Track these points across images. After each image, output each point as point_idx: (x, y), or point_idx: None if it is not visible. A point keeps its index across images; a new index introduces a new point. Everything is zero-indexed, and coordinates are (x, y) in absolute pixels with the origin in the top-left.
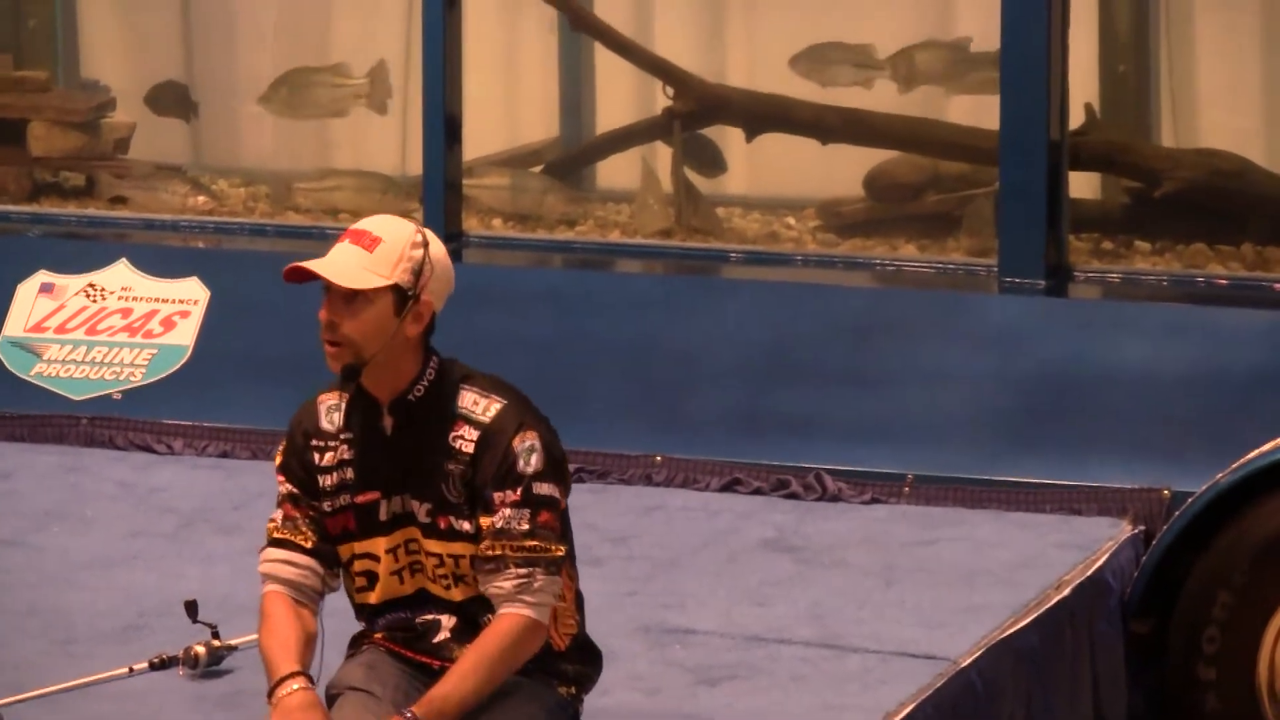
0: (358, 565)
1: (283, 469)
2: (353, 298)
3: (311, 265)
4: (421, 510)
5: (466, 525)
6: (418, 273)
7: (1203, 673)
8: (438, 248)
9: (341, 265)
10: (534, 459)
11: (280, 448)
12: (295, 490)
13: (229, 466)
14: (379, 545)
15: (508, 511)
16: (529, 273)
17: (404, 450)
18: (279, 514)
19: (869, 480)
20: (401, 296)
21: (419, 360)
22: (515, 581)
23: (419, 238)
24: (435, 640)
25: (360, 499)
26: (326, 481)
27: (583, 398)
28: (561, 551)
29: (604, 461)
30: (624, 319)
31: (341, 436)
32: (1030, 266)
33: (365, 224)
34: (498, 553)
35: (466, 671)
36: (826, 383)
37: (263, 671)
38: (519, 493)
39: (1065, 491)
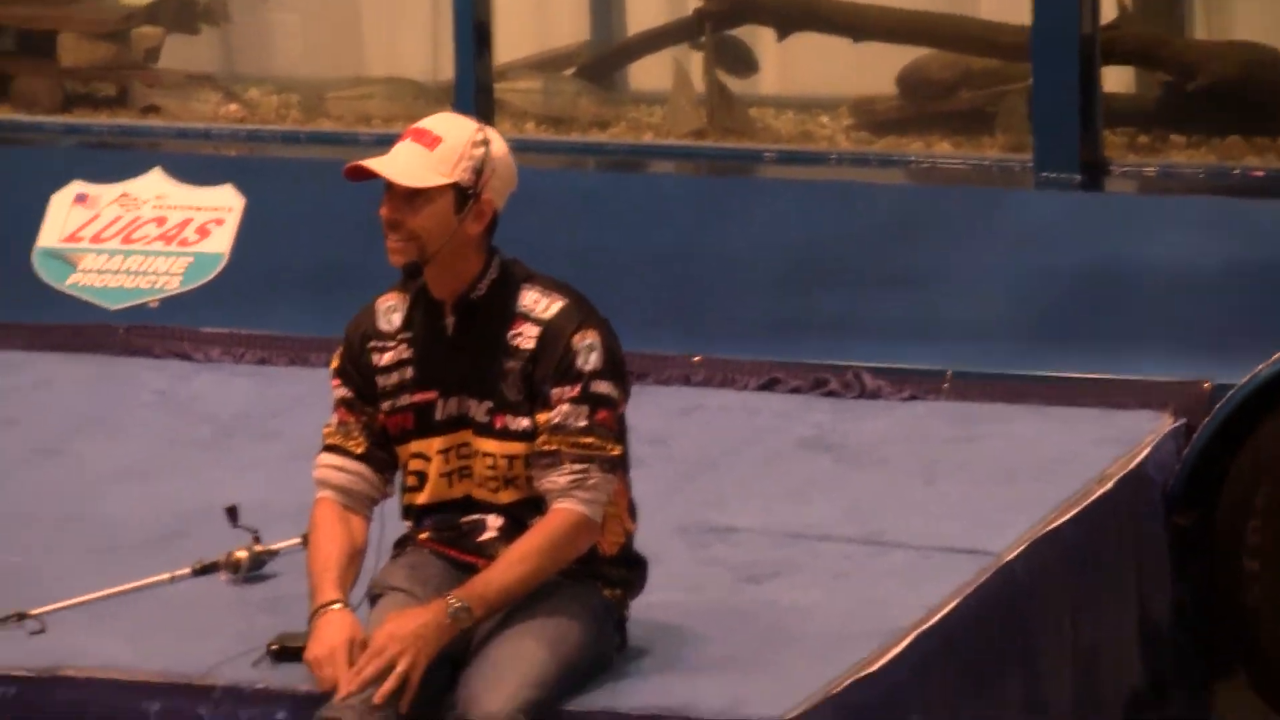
0: (412, 464)
1: (338, 373)
2: (413, 196)
3: (372, 164)
4: (480, 410)
5: (524, 422)
6: (479, 171)
7: (1247, 564)
8: (499, 146)
9: (402, 164)
10: (593, 357)
11: (337, 352)
12: (350, 394)
13: (266, 374)
14: (433, 445)
15: (565, 408)
16: (562, 175)
17: (464, 349)
18: (334, 419)
19: (908, 377)
20: (462, 195)
21: (481, 259)
22: (570, 477)
23: (479, 136)
24: (481, 539)
25: (418, 398)
26: (385, 382)
27: (619, 300)
28: (618, 451)
29: (641, 363)
30: (658, 220)
31: (400, 336)
32: (1065, 161)
33: (426, 123)
34: (553, 448)
35: (513, 560)
36: (863, 281)
37: (304, 576)
38: (577, 389)
39: (1105, 386)
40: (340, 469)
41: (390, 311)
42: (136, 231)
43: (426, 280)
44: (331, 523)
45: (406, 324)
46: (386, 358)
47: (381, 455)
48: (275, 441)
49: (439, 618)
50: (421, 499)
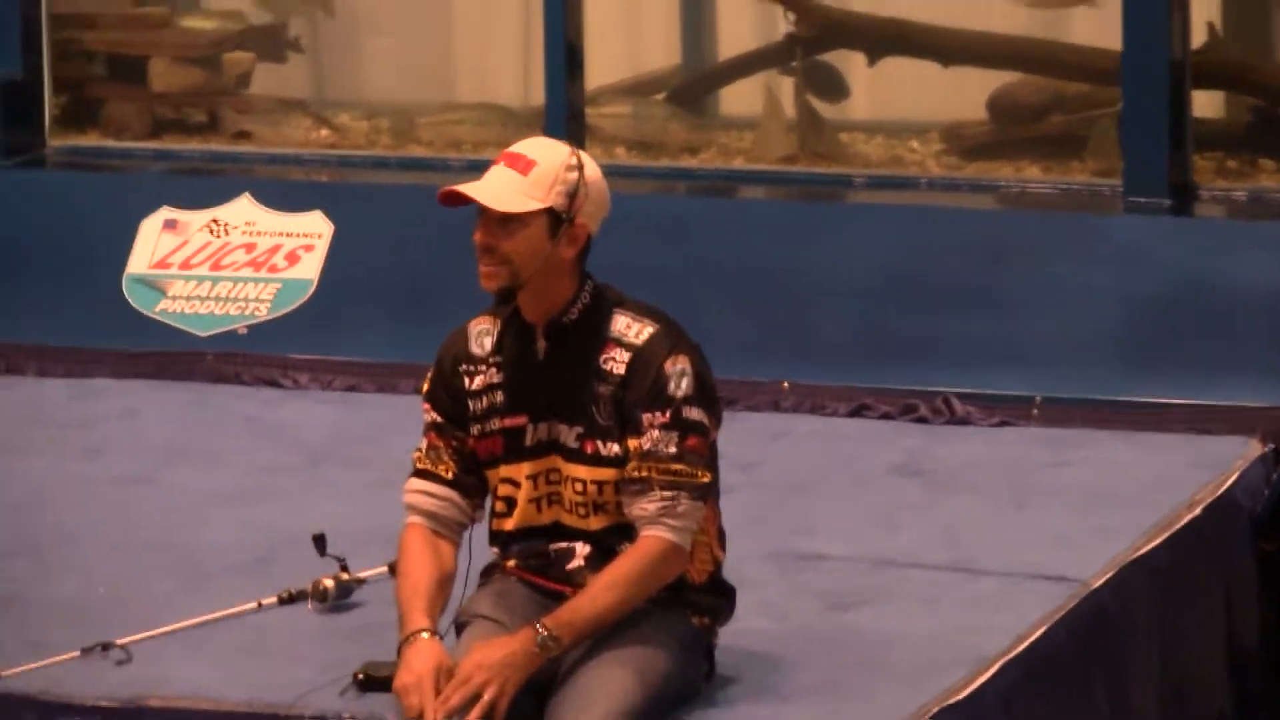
0: (501, 490)
1: (429, 397)
2: (507, 221)
3: (465, 189)
4: (570, 435)
5: (615, 448)
6: (572, 195)
7: None
8: (593, 170)
9: (496, 188)
10: (685, 383)
11: (428, 376)
12: (439, 419)
13: (355, 400)
14: (522, 471)
15: (656, 434)
16: (653, 200)
17: (555, 373)
18: (424, 443)
19: (997, 403)
20: (556, 219)
21: (574, 283)
22: (659, 504)
23: (574, 160)
24: (569, 567)
25: (507, 422)
26: (476, 406)
27: (708, 326)
28: (708, 478)
29: (732, 389)
30: (748, 246)
31: (491, 360)
32: (1155, 186)
33: (520, 146)
34: (643, 474)
35: (602, 589)
36: (952, 306)
37: (390, 604)
38: (668, 415)
39: (1194, 411)
40: (429, 494)
41: (482, 335)
42: (226, 258)
43: (519, 304)
44: (420, 549)
45: (498, 348)
46: (477, 381)
47: (471, 481)
48: (363, 469)
49: (527, 646)
50: (510, 525)
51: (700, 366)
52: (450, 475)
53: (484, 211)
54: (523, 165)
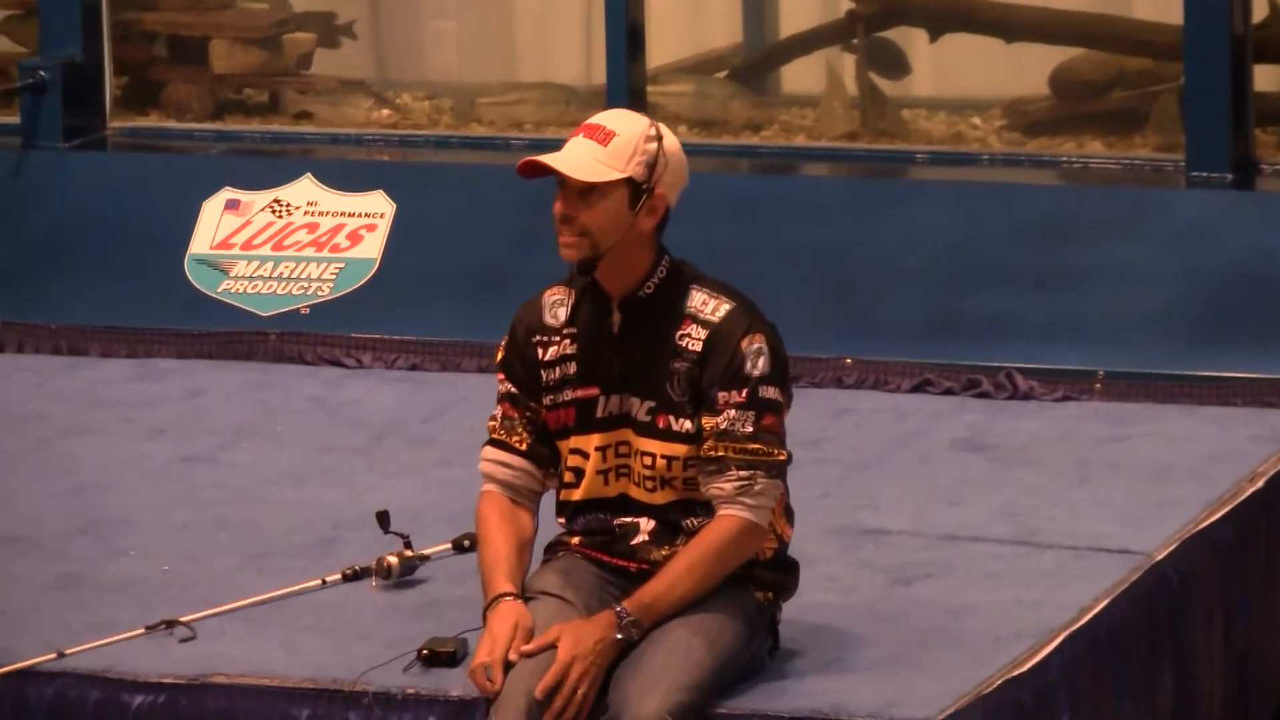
0: (570, 460)
1: (503, 366)
2: (588, 191)
3: (546, 159)
4: (642, 409)
5: (688, 425)
6: (652, 165)
7: None
8: (671, 141)
9: (576, 159)
10: (761, 362)
11: (502, 344)
12: (514, 389)
13: (418, 379)
14: (592, 442)
15: (732, 413)
16: (716, 179)
17: (630, 347)
18: (498, 412)
19: (1060, 378)
20: (636, 190)
21: (651, 257)
22: (736, 484)
23: (653, 131)
24: (634, 543)
25: (580, 393)
26: (549, 376)
27: (771, 302)
28: (784, 456)
29: (794, 365)
30: (811, 223)
31: (565, 331)
32: (1217, 161)
33: (599, 118)
34: (720, 454)
35: (682, 572)
36: (1015, 282)
37: (454, 580)
38: (744, 394)
39: (1257, 385)
40: (504, 464)
41: (556, 305)
42: (288, 238)
43: (598, 276)
44: (499, 516)
45: (571, 319)
46: (551, 352)
47: (544, 451)
48: (427, 447)
49: (611, 633)
50: (577, 495)
51: (776, 345)
52: (524, 446)
53: (564, 182)
54: (602, 136)
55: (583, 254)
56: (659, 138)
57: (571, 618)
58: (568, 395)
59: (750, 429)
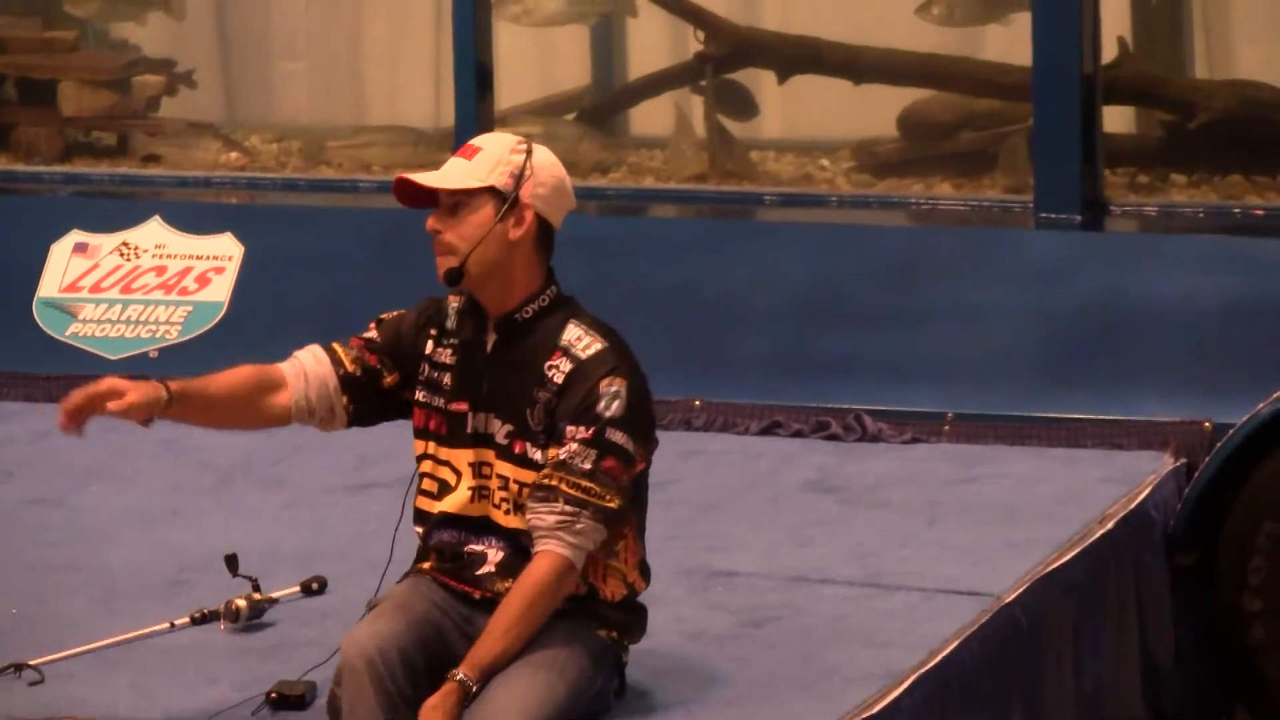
0: (428, 466)
1: (383, 324)
2: (455, 206)
3: (412, 175)
4: (501, 431)
5: (539, 455)
6: (517, 176)
7: (1248, 603)
8: (544, 157)
9: (440, 173)
10: (615, 405)
11: (396, 312)
12: (380, 342)
13: None
14: (464, 458)
15: (574, 446)
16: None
17: (499, 368)
18: (351, 340)
19: (909, 419)
20: (501, 199)
21: (535, 282)
22: (559, 517)
23: (521, 146)
24: (479, 572)
25: (454, 406)
26: (426, 372)
27: None
28: (615, 504)
29: None
30: (661, 264)
31: (450, 340)
32: (1066, 201)
33: (474, 140)
34: (552, 483)
35: (511, 624)
36: (865, 323)
37: (302, 624)
38: (590, 432)
39: (1106, 426)
40: (318, 360)
41: (454, 312)
42: (136, 281)
43: (473, 292)
44: (246, 371)
45: (458, 329)
46: (438, 353)
47: (358, 392)
48: (277, 489)
49: (455, 696)
50: (441, 508)
51: (637, 393)
52: (344, 372)
53: (436, 200)
54: (470, 153)
55: (447, 270)
56: (528, 151)
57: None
58: (439, 403)
59: (589, 466)
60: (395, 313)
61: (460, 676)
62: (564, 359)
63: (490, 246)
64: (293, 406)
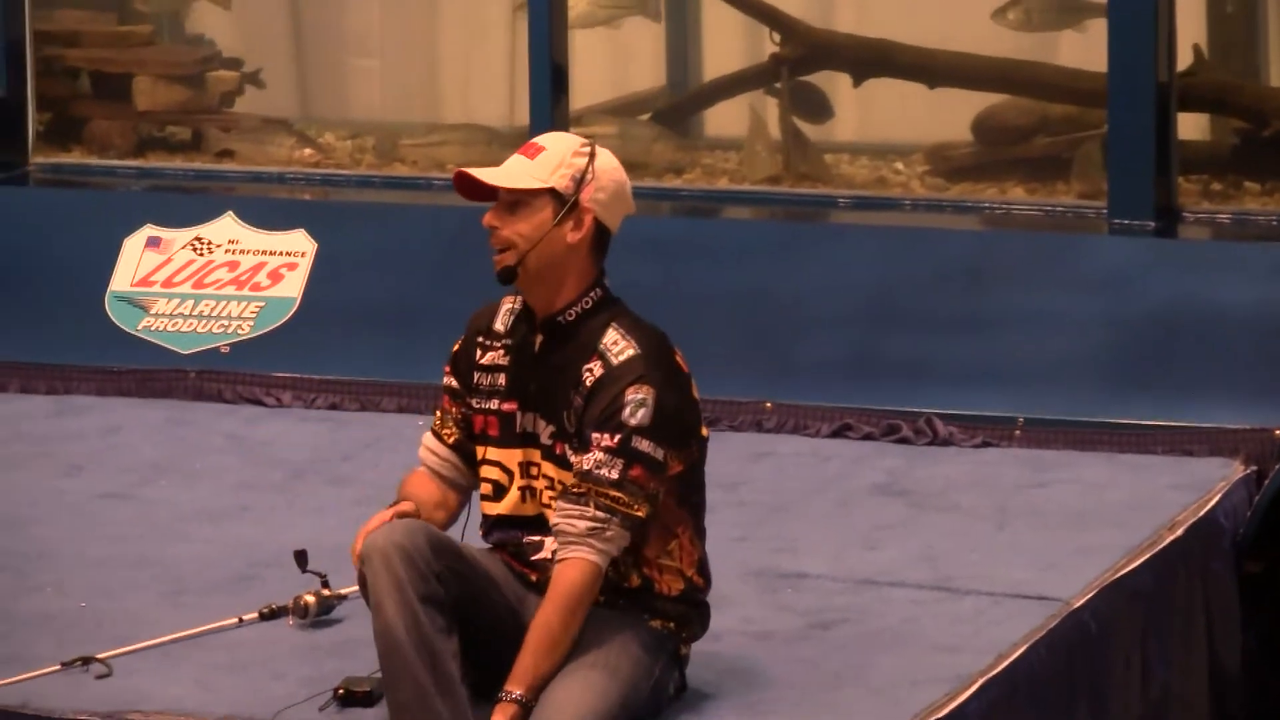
0: (486, 471)
1: (450, 360)
2: (515, 204)
3: (472, 170)
4: (545, 432)
5: (572, 457)
6: (579, 179)
7: None
8: (607, 161)
9: (502, 170)
10: (641, 413)
11: (459, 340)
12: (454, 384)
13: (337, 418)
14: (514, 458)
15: (600, 455)
16: (637, 221)
17: (545, 369)
18: (441, 402)
19: (980, 424)
20: (560, 201)
21: (582, 283)
22: (589, 524)
23: (585, 148)
24: (534, 558)
25: (505, 406)
26: (480, 380)
27: (692, 345)
28: (643, 513)
29: (714, 408)
30: (733, 266)
31: (503, 341)
32: (1140, 208)
33: (537, 138)
34: (581, 490)
35: (553, 641)
36: (936, 327)
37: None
38: (616, 440)
39: (1176, 433)
40: (434, 453)
41: (509, 313)
42: (208, 276)
43: (523, 290)
44: (424, 479)
45: (511, 330)
46: (489, 357)
47: (472, 449)
48: (345, 486)
49: (507, 713)
50: (498, 510)
51: (666, 401)
52: (452, 440)
53: (496, 196)
54: (533, 151)
55: (504, 264)
56: (591, 155)
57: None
58: (493, 405)
59: (615, 476)
60: (458, 342)
61: (515, 695)
62: (598, 363)
63: (547, 247)
64: (462, 502)
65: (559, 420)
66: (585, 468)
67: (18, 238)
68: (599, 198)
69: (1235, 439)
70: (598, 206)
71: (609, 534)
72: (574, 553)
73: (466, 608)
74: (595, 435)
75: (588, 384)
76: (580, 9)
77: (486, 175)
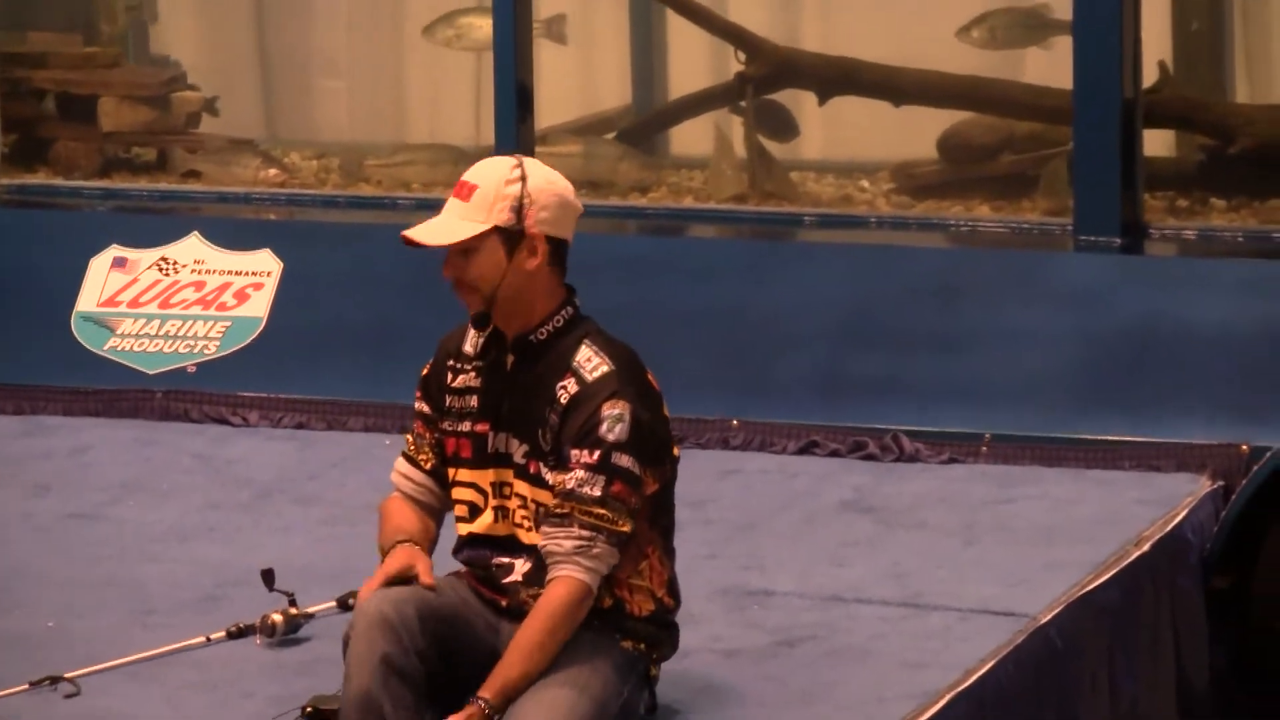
0: (459, 493)
1: (421, 384)
2: (466, 251)
3: (411, 233)
4: (519, 451)
5: (550, 476)
6: (518, 208)
7: None
8: (539, 178)
9: (438, 225)
10: (619, 429)
11: (428, 364)
12: (426, 409)
13: (304, 437)
14: (486, 478)
15: (581, 474)
16: (603, 240)
17: (517, 388)
18: (414, 427)
19: (946, 440)
20: (508, 235)
21: (551, 302)
22: (576, 542)
23: (515, 173)
24: (505, 581)
25: (478, 428)
26: (452, 402)
27: (658, 364)
28: (627, 528)
29: (681, 427)
30: (699, 284)
31: (474, 363)
32: (1106, 225)
33: (468, 173)
34: (565, 510)
35: (530, 652)
36: (903, 344)
37: (337, 640)
38: (595, 457)
39: (1143, 448)
40: (409, 478)
41: (478, 335)
42: (175, 296)
43: (495, 318)
44: (404, 507)
45: (482, 352)
46: (459, 380)
47: (446, 473)
48: (313, 505)
49: (471, 717)
50: (470, 529)
51: (642, 416)
52: (429, 465)
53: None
54: (466, 192)
55: (476, 308)
56: (522, 178)
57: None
58: (465, 427)
59: (598, 493)
60: (427, 365)
61: (483, 700)
62: (572, 380)
63: (510, 280)
64: (438, 527)
65: (533, 438)
66: (568, 487)
67: None
68: (543, 217)
69: (1202, 454)
70: (544, 226)
71: (596, 551)
72: (562, 571)
73: (449, 660)
74: (575, 452)
75: (562, 401)
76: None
77: (428, 237)
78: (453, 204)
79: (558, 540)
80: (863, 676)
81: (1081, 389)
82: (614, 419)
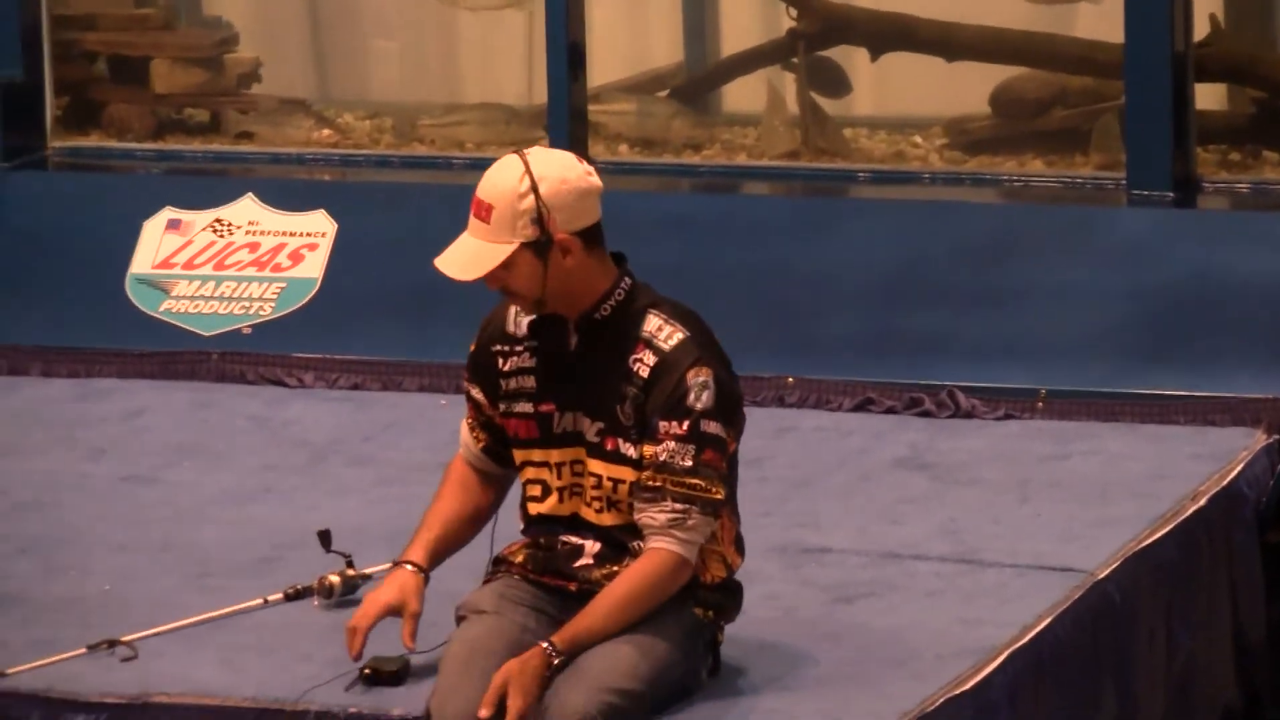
0: (530, 473)
1: (468, 367)
2: (503, 268)
3: (441, 266)
4: (591, 430)
5: (632, 450)
6: (538, 220)
7: None
8: (550, 181)
9: (462, 253)
10: (705, 395)
11: (471, 346)
12: (473, 391)
13: (359, 398)
14: (553, 457)
15: (672, 444)
16: (656, 198)
17: (584, 367)
18: (468, 408)
19: (1001, 396)
20: (537, 246)
21: (604, 279)
22: (670, 515)
23: (525, 185)
24: (576, 564)
25: (541, 408)
26: (507, 385)
27: (713, 321)
28: (721, 494)
29: None
30: (752, 242)
31: (526, 344)
32: (1158, 179)
33: (481, 186)
34: (657, 484)
35: (611, 609)
36: (957, 300)
37: None
38: (685, 427)
39: (1198, 403)
40: (468, 448)
41: (520, 315)
42: (229, 258)
43: (553, 310)
44: (457, 483)
45: (534, 331)
46: (510, 363)
47: (500, 451)
48: (368, 466)
49: (541, 661)
50: (542, 509)
51: (724, 379)
52: (481, 444)
53: None
54: (484, 212)
55: (529, 311)
56: (533, 189)
57: (501, 634)
58: (527, 408)
59: (690, 463)
60: (474, 343)
61: (550, 646)
62: (648, 351)
63: (554, 282)
64: (498, 498)
65: (609, 415)
66: (661, 459)
67: (37, 222)
68: (563, 218)
69: (1257, 408)
70: (569, 226)
71: (690, 523)
72: (656, 543)
73: None
74: (663, 424)
75: (642, 374)
76: None
77: (458, 272)
78: (474, 225)
79: (651, 514)
80: (920, 634)
81: (1135, 344)
82: (700, 386)
